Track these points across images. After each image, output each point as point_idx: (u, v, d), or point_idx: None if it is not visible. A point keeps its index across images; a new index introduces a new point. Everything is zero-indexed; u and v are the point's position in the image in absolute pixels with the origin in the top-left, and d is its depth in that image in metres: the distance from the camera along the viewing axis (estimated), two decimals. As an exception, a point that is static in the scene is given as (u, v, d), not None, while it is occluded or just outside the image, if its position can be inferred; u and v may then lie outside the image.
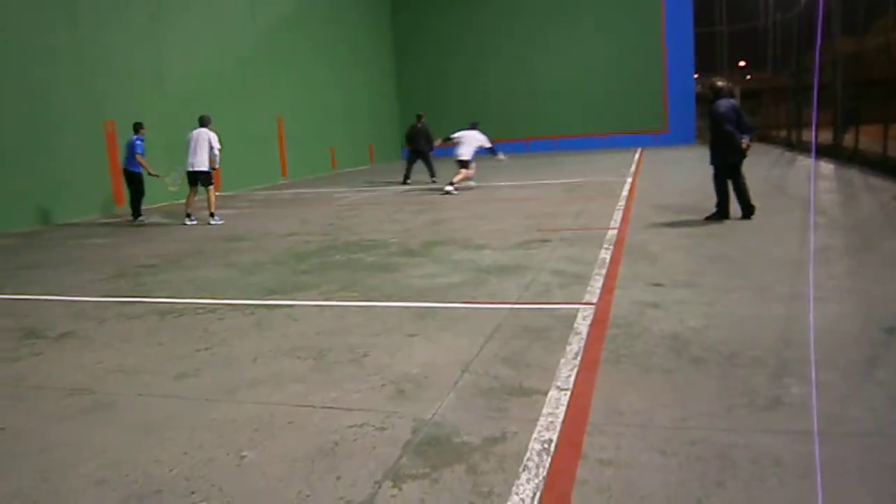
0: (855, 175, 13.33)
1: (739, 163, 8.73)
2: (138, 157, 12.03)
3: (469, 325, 4.86)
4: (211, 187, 11.99)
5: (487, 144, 15.32)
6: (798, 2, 21.17)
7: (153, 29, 16.09)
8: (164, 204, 15.30)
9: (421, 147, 17.34)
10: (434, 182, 16.60)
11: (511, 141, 29.21)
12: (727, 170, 8.79)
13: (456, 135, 15.22)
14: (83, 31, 14.21)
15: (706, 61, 29.86)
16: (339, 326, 5.06)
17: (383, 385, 3.83)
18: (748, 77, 30.54)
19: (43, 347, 4.98)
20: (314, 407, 3.59)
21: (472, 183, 15.29)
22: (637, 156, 22.45)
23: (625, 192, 12.59)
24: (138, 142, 12.06)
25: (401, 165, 19.74)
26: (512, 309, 5.23)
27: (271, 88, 20.27)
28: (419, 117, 17.71)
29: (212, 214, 11.85)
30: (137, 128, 12.23)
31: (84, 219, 13.54)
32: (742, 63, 31.67)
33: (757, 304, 5.02)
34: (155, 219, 12.74)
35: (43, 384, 4.21)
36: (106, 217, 13.75)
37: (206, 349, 4.69)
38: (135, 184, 12.33)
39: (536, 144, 29.14)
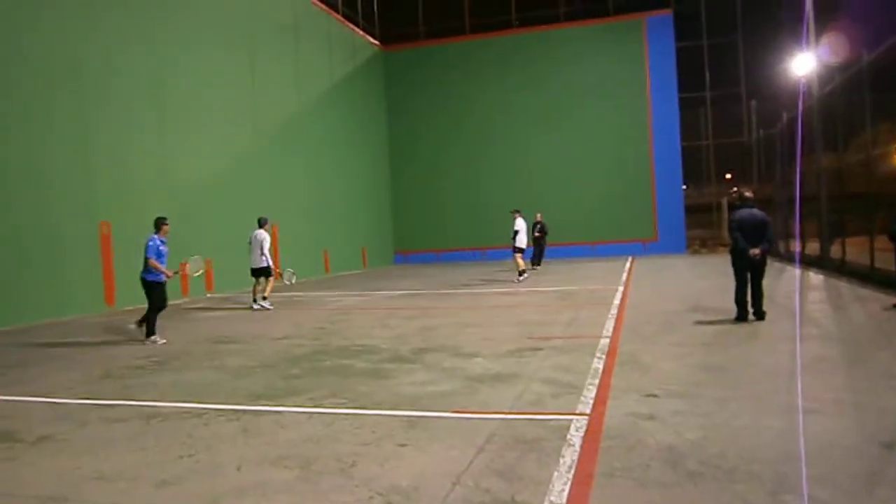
0: (844, 286, 13.45)
1: (751, 269, 9.24)
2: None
3: (460, 436, 4.76)
4: (270, 278, 13.75)
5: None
6: (780, 118, 21.96)
7: (160, 134, 16.51)
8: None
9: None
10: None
11: (501, 248, 29.57)
12: (742, 273, 9.32)
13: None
14: (92, 133, 14.61)
15: (694, 173, 30.66)
16: (327, 434, 4.94)
17: (371, 497, 3.71)
18: (734, 189, 31.26)
19: (19, 452, 4.83)
20: (299, 520, 3.46)
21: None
22: (628, 264, 22.67)
23: (616, 301, 12.62)
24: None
25: (393, 270, 19.94)
26: (504, 419, 5.14)
27: (269, 191, 20.60)
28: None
29: (264, 298, 13.68)
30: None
31: (76, 317, 13.43)
32: (728, 175, 32.47)
33: (753, 415, 4.95)
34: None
35: (14, 492, 4.05)
36: (97, 316, 13.65)
37: (190, 456, 4.56)
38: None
39: (526, 252, 29.44)
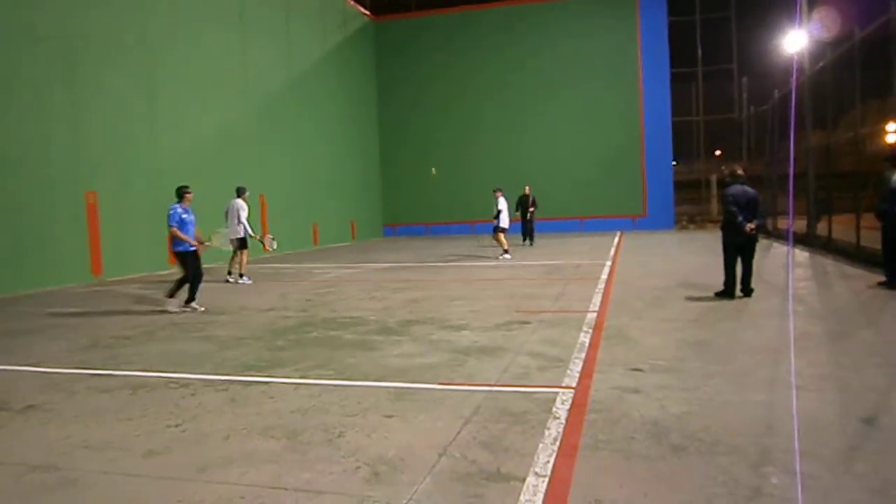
0: (829, 264, 13.55)
1: (743, 245, 9.36)
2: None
3: (447, 407, 4.79)
4: (245, 251, 13.38)
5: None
6: (772, 95, 21.94)
7: (149, 105, 16.33)
8: (145, 274, 15.18)
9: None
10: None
11: (490, 222, 29.53)
12: (734, 249, 9.43)
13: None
14: (81, 102, 14.43)
15: (684, 149, 30.68)
16: (314, 405, 4.97)
17: (358, 467, 3.74)
18: (723, 167, 31.32)
19: (7, 420, 4.83)
20: (286, 489, 3.49)
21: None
22: (616, 239, 22.74)
23: (604, 276, 12.68)
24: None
25: (381, 243, 19.91)
26: (490, 391, 5.17)
27: (258, 164, 20.46)
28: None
29: (241, 275, 13.33)
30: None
31: (63, 287, 13.36)
32: (718, 152, 32.52)
33: (737, 390, 5.01)
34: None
35: (3, 460, 4.06)
36: (84, 286, 13.58)
37: (177, 426, 4.57)
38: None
39: (514, 227, 29.47)
